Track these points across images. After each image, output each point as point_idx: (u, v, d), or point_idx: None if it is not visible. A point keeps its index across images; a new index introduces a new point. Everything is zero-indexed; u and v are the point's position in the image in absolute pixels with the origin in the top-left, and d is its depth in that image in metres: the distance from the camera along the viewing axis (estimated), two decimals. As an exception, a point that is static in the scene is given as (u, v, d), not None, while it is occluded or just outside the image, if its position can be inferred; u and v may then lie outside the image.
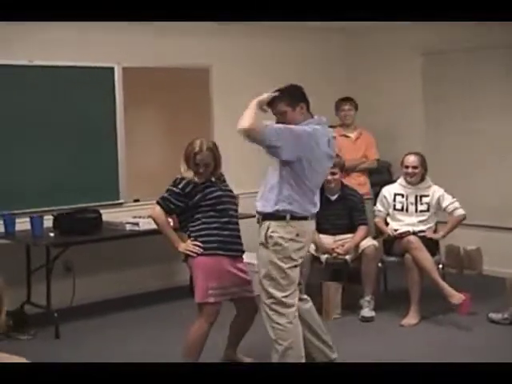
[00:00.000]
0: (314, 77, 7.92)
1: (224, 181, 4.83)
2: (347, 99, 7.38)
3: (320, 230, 6.00)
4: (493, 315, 5.93)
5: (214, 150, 4.63)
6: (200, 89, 7.32)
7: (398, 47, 8.05)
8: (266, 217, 4.45)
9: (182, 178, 4.64)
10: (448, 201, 6.29)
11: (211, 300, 4.56)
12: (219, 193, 4.68)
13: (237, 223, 4.75)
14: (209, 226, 4.62)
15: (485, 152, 7.43)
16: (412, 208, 6.35)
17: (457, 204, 6.28)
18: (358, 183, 7.00)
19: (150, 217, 4.88)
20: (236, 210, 4.80)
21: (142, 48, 6.85)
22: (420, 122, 7.81)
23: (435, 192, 6.35)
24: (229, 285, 4.63)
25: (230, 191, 4.81)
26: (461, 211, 6.26)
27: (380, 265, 6.37)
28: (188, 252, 4.62)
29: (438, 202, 6.30)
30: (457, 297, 5.87)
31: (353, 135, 7.33)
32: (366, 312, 6.15)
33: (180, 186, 4.63)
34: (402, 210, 6.37)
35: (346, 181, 6.65)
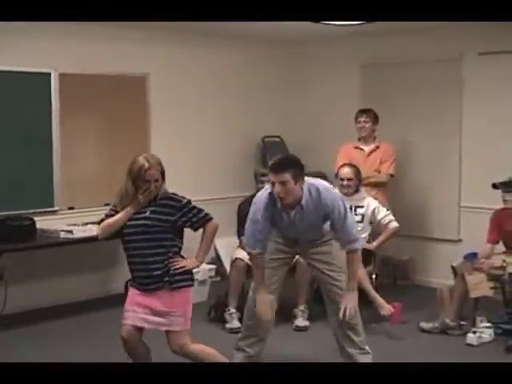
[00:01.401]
0: (254, 87, 8.00)
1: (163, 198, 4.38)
2: (364, 111, 7.03)
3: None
4: (423, 324, 6.03)
5: (161, 165, 4.32)
6: (137, 97, 7.23)
7: (336, 60, 8.13)
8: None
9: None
10: (383, 213, 6.37)
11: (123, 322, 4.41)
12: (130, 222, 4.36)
13: (148, 254, 4.33)
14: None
15: (420, 163, 7.54)
16: None
17: (391, 217, 6.37)
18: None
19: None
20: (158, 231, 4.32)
21: (80, 54, 6.74)
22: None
23: (370, 204, 6.43)
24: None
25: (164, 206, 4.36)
26: (395, 223, 6.35)
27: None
28: None
29: (373, 214, 6.37)
30: (386, 308, 5.98)
31: (367, 148, 7.05)
32: (300, 322, 6.17)
33: None
34: (336, 220, 6.37)
35: None
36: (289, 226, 4.63)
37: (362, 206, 6.44)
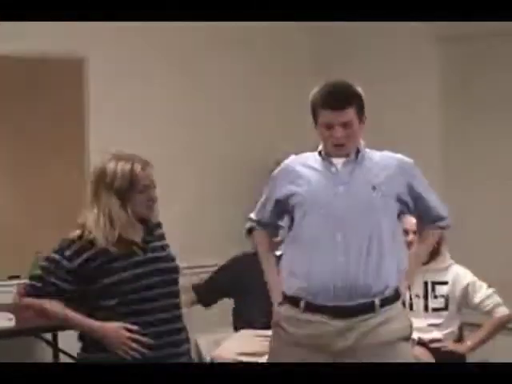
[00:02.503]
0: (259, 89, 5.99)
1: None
2: None
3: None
4: None
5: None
6: (69, 88, 5.37)
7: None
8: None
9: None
10: (482, 292, 4.38)
11: None
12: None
13: None
14: None
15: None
16: (420, 304, 4.40)
17: (497, 298, 4.40)
18: None
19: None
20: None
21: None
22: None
23: (459, 276, 4.42)
24: None
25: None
26: (505, 309, 4.39)
27: None
28: None
29: (465, 295, 4.40)
30: None
31: None
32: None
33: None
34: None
35: None
36: (326, 201, 3.19)
37: (446, 283, 4.39)
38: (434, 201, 3.34)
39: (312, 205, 3.18)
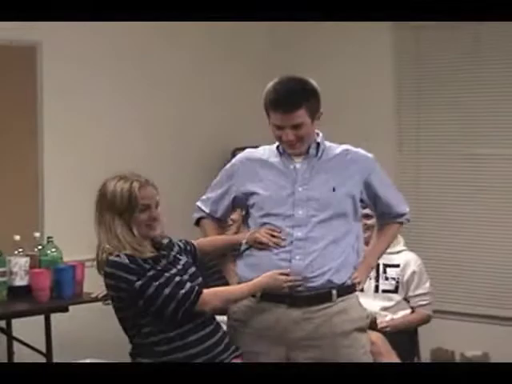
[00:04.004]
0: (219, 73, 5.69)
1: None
2: None
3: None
4: None
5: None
6: (21, 78, 4.89)
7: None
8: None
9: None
10: (420, 287, 4.40)
11: None
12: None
13: None
14: None
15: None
16: (371, 286, 4.31)
17: (427, 297, 4.42)
18: None
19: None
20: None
21: None
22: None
23: (410, 262, 4.38)
24: None
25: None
26: (427, 311, 4.44)
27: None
28: None
29: (408, 282, 4.37)
30: None
31: None
32: None
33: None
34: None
35: None
36: (283, 194, 3.10)
37: (397, 266, 4.34)
38: (394, 198, 3.24)
39: (271, 206, 3.08)
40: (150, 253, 2.97)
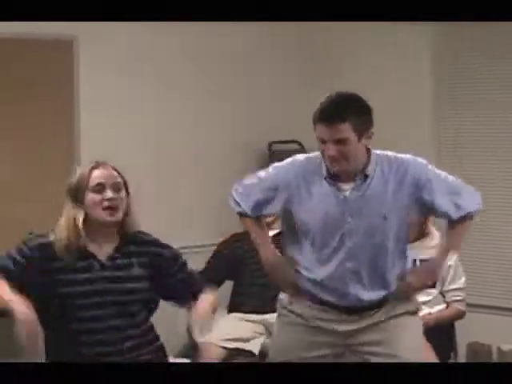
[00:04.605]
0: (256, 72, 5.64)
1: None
2: None
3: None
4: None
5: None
6: (56, 73, 4.83)
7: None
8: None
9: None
10: (455, 282, 4.40)
11: None
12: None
13: None
14: None
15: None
16: None
17: (462, 293, 4.44)
18: None
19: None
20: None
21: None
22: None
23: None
24: None
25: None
26: (461, 307, 4.44)
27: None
28: None
29: (445, 275, 4.36)
30: None
31: None
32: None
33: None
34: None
35: None
36: (332, 225, 3.07)
37: None
38: (451, 204, 3.15)
39: (321, 234, 3.08)
40: (102, 252, 2.90)
